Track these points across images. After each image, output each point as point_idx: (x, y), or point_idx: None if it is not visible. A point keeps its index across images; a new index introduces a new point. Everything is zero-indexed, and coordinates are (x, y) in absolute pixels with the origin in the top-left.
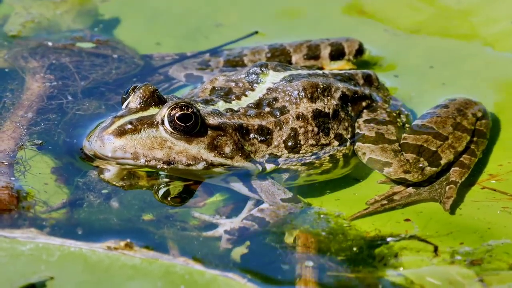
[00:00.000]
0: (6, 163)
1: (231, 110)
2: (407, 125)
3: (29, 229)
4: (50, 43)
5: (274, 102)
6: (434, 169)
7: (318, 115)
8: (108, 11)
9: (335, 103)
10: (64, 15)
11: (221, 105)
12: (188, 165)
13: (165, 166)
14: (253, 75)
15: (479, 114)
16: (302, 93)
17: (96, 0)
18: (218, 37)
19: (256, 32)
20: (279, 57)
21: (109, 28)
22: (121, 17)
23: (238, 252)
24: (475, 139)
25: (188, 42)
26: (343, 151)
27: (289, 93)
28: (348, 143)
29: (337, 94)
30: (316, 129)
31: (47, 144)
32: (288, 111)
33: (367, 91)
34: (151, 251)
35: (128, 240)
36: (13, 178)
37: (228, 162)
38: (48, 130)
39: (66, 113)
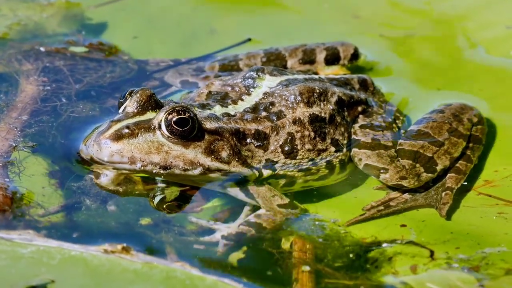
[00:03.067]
0: (0, 165)
1: (228, 114)
2: (402, 131)
3: (26, 230)
4: (42, 48)
5: (270, 107)
6: (430, 175)
7: (314, 119)
8: (97, 16)
9: (331, 107)
10: (50, 18)
11: (217, 110)
12: (185, 170)
13: (162, 171)
14: (250, 80)
15: (475, 120)
16: (299, 98)
17: (88, 5)
18: (213, 44)
19: (250, 39)
20: (275, 61)
21: (97, 33)
22: (112, 24)
23: (235, 257)
24: (471, 145)
25: (182, 48)
26: (340, 157)
27: (286, 98)
28: (344, 149)
29: (334, 99)
30: (312, 134)
31: (41, 146)
32: (285, 115)
33: (362, 95)
34: (148, 255)
35: (125, 244)
36: (8, 180)
37: (225, 167)
38: (42, 132)
39: (60, 115)
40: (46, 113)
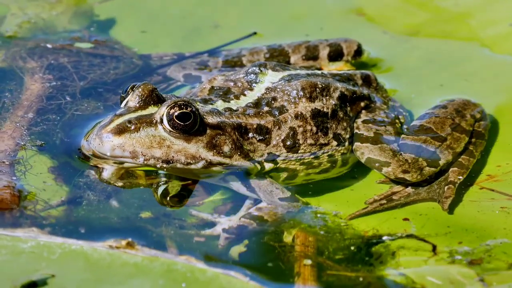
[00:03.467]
0: (7, 163)
1: (230, 109)
2: (405, 126)
3: (31, 228)
4: (49, 45)
5: (273, 102)
6: (433, 169)
7: (316, 114)
8: (105, 12)
9: (333, 102)
10: (60, 15)
11: (220, 105)
12: (187, 164)
13: (164, 165)
14: (252, 75)
15: (478, 116)
16: (301, 93)
17: (93, 1)
18: (216, 38)
19: (255, 33)
20: (278, 57)
21: (105, 29)
22: (118, 19)
23: (237, 250)
24: (473, 140)
25: (186, 43)
26: (342, 151)
27: (288, 93)
28: (346, 143)
29: (336, 94)
30: (314, 128)
31: (47, 144)
32: (287, 110)
33: (365, 91)
34: (153, 250)
35: (130, 239)
36: (14, 178)
37: (227, 161)
38: (48, 130)
39: (65, 114)
40: (52, 111)
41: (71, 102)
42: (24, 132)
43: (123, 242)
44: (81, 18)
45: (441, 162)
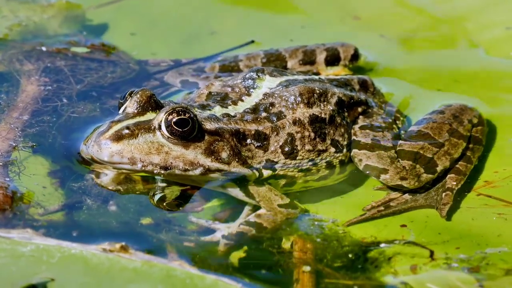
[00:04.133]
0: (1, 164)
1: (228, 115)
2: (402, 131)
3: (24, 229)
4: (44, 48)
5: (270, 107)
6: (430, 176)
7: (314, 120)
8: (99, 17)
9: (331, 108)
10: (51, 19)
11: (217, 110)
12: (185, 170)
13: (162, 172)
14: (250, 80)
15: (475, 120)
16: (299, 98)
17: (89, 6)
18: (213, 45)
19: (252, 41)
20: (275, 62)
21: (98, 34)
22: (113, 24)
23: (236, 256)
24: (471, 145)
25: (183, 49)
26: (340, 158)
27: (286, 98)
28: (344, 150)
29: (334, 100)
30: (312, 134)
31: (42, 146)
32: (285, 116)
33: (363, 96)
34: (146, 254)
35: (123, 243)
36: (8, 179)
37: (225, 167)
38: (43, 132)
39: (61, 116)
40: (47, 113)
41: (67, 104)
42: (18, 134)
43: (117, 246)
44: (72, 22)
45: (439, 168)
